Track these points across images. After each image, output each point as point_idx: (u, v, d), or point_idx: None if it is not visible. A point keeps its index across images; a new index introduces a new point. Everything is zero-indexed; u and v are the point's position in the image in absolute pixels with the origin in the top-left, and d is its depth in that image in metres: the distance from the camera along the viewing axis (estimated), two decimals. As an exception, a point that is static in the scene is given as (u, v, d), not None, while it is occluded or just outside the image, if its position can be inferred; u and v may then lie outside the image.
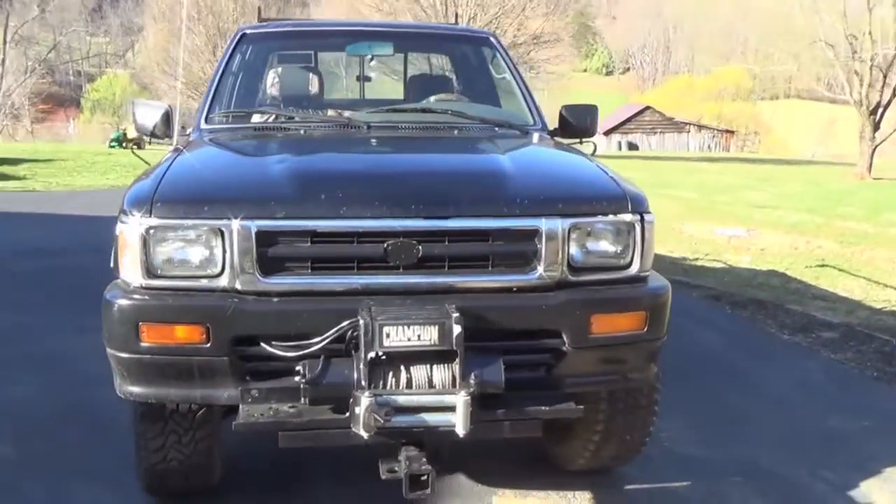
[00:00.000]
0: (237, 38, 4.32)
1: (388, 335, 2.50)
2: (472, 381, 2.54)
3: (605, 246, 2.85)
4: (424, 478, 2.55)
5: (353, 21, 4.49)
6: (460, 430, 2.49)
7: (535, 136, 3.80)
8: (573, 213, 2.78)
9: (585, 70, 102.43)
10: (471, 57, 4.69)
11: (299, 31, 4.62)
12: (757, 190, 20.87)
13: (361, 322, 2.50)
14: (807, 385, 4.89)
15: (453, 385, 2.55)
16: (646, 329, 2.84)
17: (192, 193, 2.74)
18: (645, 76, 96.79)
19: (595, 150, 4.53)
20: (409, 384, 2.55)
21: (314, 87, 4.60)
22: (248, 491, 3.42)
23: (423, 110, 3.97)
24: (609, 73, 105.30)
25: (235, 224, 2.59)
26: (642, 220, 2.86)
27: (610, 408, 3.24)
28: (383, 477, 2.59)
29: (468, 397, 2.48)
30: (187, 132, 3.91)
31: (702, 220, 14.10)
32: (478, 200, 2.75)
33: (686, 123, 56.02)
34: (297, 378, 2.55)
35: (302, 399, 2.56)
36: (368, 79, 5.63)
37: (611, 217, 2.83)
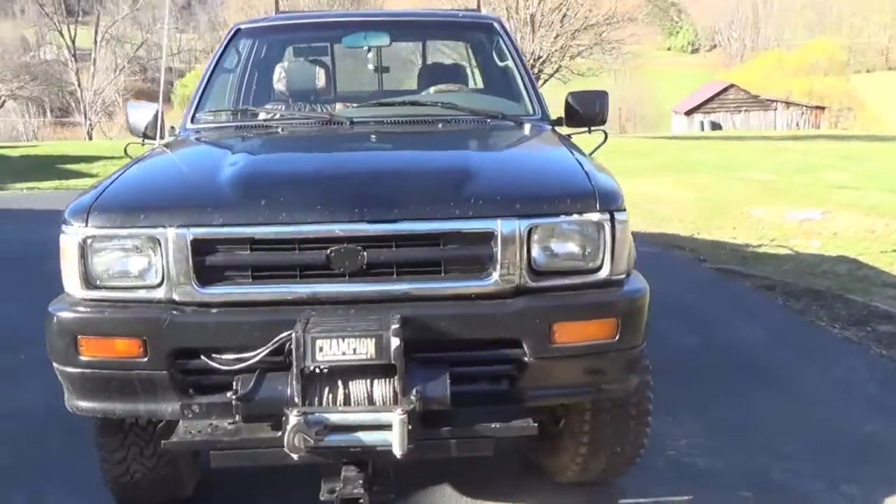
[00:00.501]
0: (231, 34, 4.23)
1: (321, 349, 2.36)
2: (412, 398, 2.38)
3: (571, 248, 2.64)
4: (361, 501, 2.41)
5: (352, 12, 4.32)
6: (397, 450, 2.33)
7: (527, 128, 3.59)
8: (533, 214, 2.58)
9: (669, 49, 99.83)
10: (475, 44, 4.52)
11: (293, 25, 4.50)
12: (840, 169, 19.78)
13: (293, 335, 2.36)
14: (847, 385, 4.52)
15: (395, 401, 2.40)
16: (617, 338, 2.62)
17: (129, 201, 2.65)
18: (732, 53, 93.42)
19: (606, 140, 4.30)
20: (346, 400, 2.41)
21: (321, 81, 4.47)
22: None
23: (413, 103, 3.81)
24: (695, 51, 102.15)
25: (171, 232, 2.49)
26: (612, 219, 2.62)
27: (595, 419, 3.03)
28: (322, 498, 2.46)
29: (404, 415, 2.31)
30: (176, 132, 3.85)
31: (774, 202, 13.41)
32: (427, 202, 2.57)
33: (773, 101, 53.68)
34: (229, 394, 2.44)
35: (235, 416, 2.45)
36: (387, 69, 5.49)
37: (575, 217, 2.61)
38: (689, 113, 53.59)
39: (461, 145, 3.20)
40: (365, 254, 2.51)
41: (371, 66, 4.57)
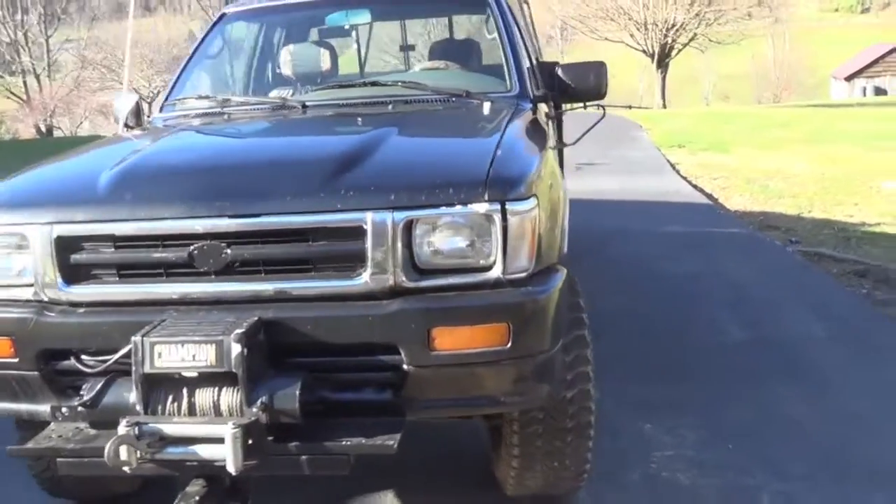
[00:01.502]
0: (217, 19, 4.15)
1: (160, 354, 2.20)
2: (255, 409, 2.19)
3: (457, 243, 2.34)
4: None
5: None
6: (230, 467, 2.13)
7: (486, 107, 3.26)
8: (409, 205, 2.31)
9: (837, 10, 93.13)
10: (467, 17, 4.22)
11: (276, 7, 4.34)
12: None
13: (133, 340, 2.22)
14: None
15: (241, 412, 2.22)
16: (509, 344, 2.31)
17: (9, 199, 2.60)
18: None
19: (603, 116, 3.94)
20: (191, 410, 2.25)
21: (323, 63, 4.29)
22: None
23: (373, 84, 3.60)
24: (865, 11, 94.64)
25: (37, 229, 2.42)
26: (503, 210, 2.31)
27: (524, 430, 2.71)
28: (169, 512, 2.32)
29: (237, 429, 2.12)
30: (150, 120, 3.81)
31: (918, 175, 12.10)
32: (293, 193, 2.35)
33: (948, 61, 48.82)
34: (76, 399, 2.33)
35: (82, 421, 2.35)
36: (412, 48, 5.27)
37: (458, 208, 2.31)
38: (849, 78, 49.53)
39: (379, 129, 2.93)
40: (229, 251, 2.34)
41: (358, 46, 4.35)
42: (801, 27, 65.20)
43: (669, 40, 29.77)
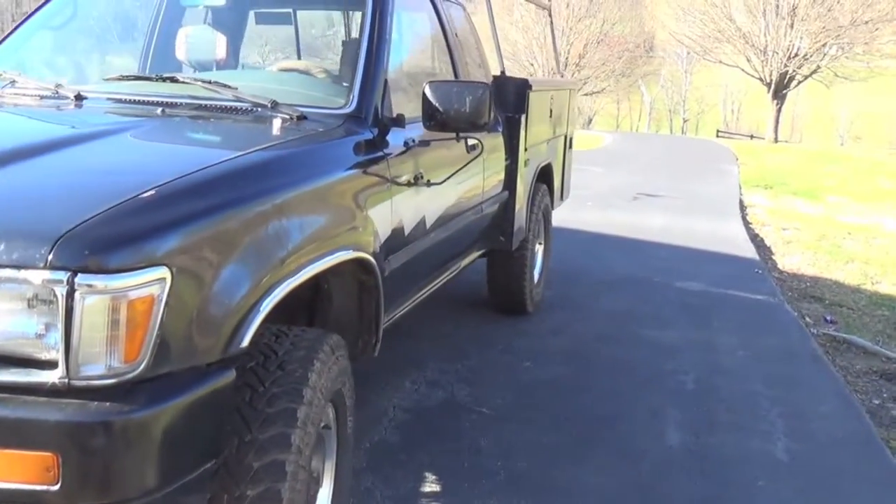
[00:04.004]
0: None
1: None
2: None
3: (9, 324, 1.61)
4: None
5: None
6: None
7: (274, 125, 2.51)
8: None
9: None
10: (342, 14, 3.46)
11: None
12: None
13: None
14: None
15: None
16: (58, 485, 1.55)
17: None
18: None
19: (480, 152, 3.12)
20: None
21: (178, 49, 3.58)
22: None
23: (171, 80, 2.90)
24: None
25: None
26: (72, 283, 1.56)
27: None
28: None
29: None
30: None
31: None
32: None
33: None
34: None
35: None
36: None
37: (8, 272, 1.57)
38: None
39: (56, 142, 2.21)
40: None
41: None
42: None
43: (790, 70, 27.66)
